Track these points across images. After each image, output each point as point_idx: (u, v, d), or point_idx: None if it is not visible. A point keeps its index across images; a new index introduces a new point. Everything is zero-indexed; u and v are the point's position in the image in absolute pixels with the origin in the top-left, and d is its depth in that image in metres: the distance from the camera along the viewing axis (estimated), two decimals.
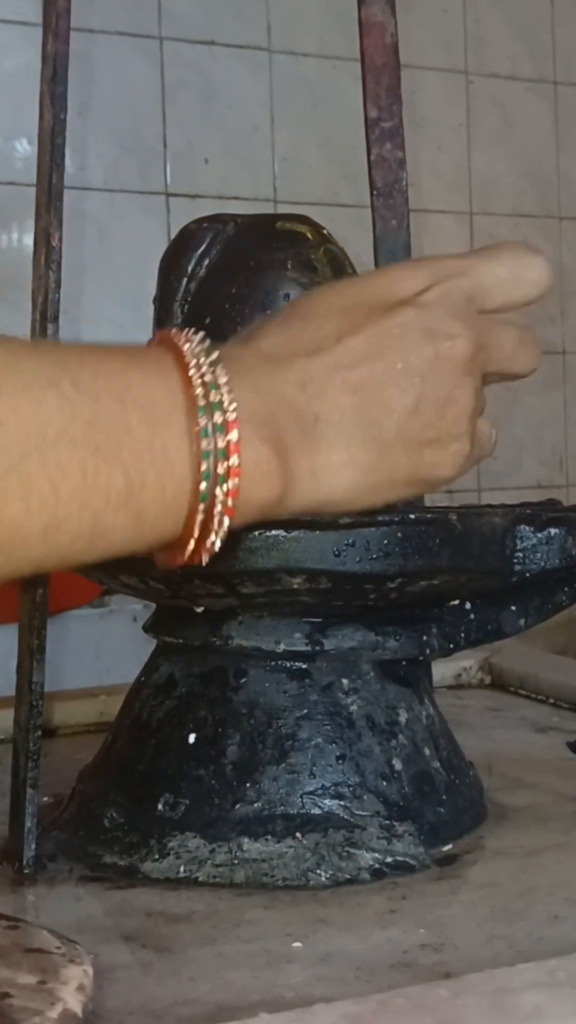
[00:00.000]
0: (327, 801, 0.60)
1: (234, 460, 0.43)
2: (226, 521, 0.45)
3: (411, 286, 0.49)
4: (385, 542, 0.57)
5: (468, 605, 0.67)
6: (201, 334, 0.45)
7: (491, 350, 0.51)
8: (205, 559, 0.46)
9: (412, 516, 0.60)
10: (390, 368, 0.47)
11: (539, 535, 0.64)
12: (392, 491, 0.50)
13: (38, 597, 0.61)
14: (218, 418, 0.43)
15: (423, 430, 0.48)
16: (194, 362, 0.44)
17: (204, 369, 0.43)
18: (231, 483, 0.43)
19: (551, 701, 0.95)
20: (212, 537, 0.45)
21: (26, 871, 0.60)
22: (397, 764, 0.62)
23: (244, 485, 0.44)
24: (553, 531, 0.65)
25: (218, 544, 0.46)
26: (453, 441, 0.49)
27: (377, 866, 0.58)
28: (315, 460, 0.46)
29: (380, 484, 0.49)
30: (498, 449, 1.75)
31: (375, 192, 0.76)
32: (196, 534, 0.44)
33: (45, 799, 0.67)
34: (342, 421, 0.47)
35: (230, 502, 0.44)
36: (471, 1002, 0.40)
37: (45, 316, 0.61)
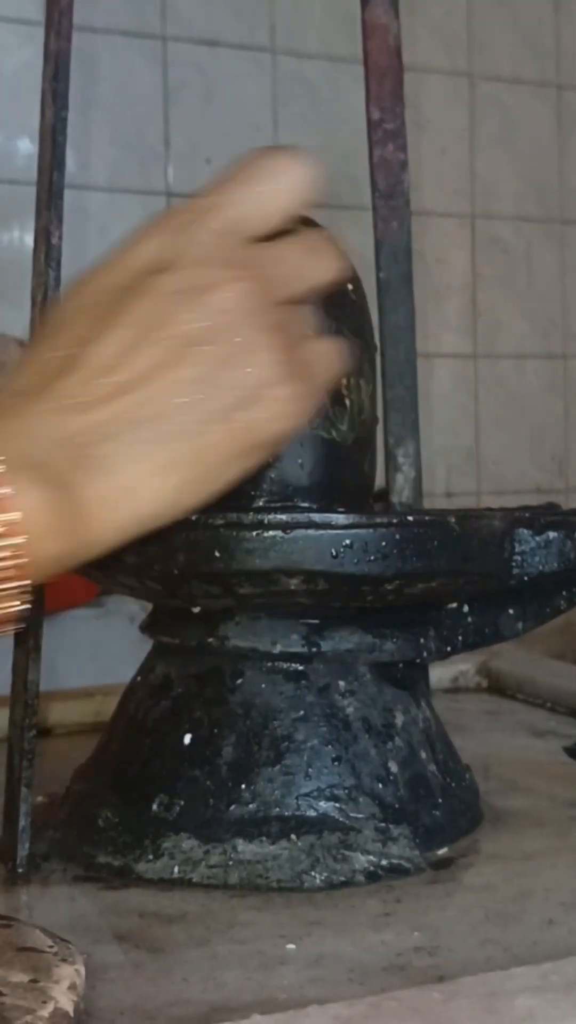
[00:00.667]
0: (322, 803, 0.60)
1: (13, 516, 0.38)
2: (14, 584, 0.39)
3: (153, 251, 0.43)
4: (383, 544, 0.57)
5: (466, 608, 0.67)
6: None
7: (275, 273, 0.44)
8: (8, 628, 0.41)
9: (410, 518, 0.60)
10: (154, 350, 0.41)
11: (538, 538, 0.64)
12: (221, 472, 0.43)
13: (35, 595, 0.60)
14: None
15: (222, 395, 0.42)
16: None
17: None
18: (17, 540, 0.39)
19: (548, 705, 0.95)
20: (6, 604, 0.40)
21: (20, 870, 0.60)
22: (393, 767, 0.62)
23: (32, 538, 0.39)
24: (552, 535, 0.64)
25: (19, 608, 0.40)
26: (271, 388, 0.43)
27: (372, 869, 0.58)
28: (107, 483, 0.41)
29: (200, 474, 0.42)
30: (498, 453, 1.75)
31: (377, 194, 0.76)
32: None
33: (39, 798, 0.67)
34: (120, 431, 0.41)
35: (18, 561, 0.39)
36: (464, 1005, 0.40)
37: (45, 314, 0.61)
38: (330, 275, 0.48)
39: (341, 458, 0.64)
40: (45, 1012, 0.40)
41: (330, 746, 0.61)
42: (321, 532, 0.57)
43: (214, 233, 0.43)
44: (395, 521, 0.59)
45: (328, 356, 0.48)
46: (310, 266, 0.47)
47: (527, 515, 0.65)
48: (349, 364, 0.52)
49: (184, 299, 0.42)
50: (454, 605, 0.66)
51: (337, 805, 0.60)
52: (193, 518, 0.58)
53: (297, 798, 0.60)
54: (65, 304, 0.45)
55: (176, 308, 0.41)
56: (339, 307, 0.65)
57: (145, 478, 0.41)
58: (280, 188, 0.45)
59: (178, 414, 0.41)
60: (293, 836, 0.58)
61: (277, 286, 0.45)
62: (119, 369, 0.41)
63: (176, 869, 0.58)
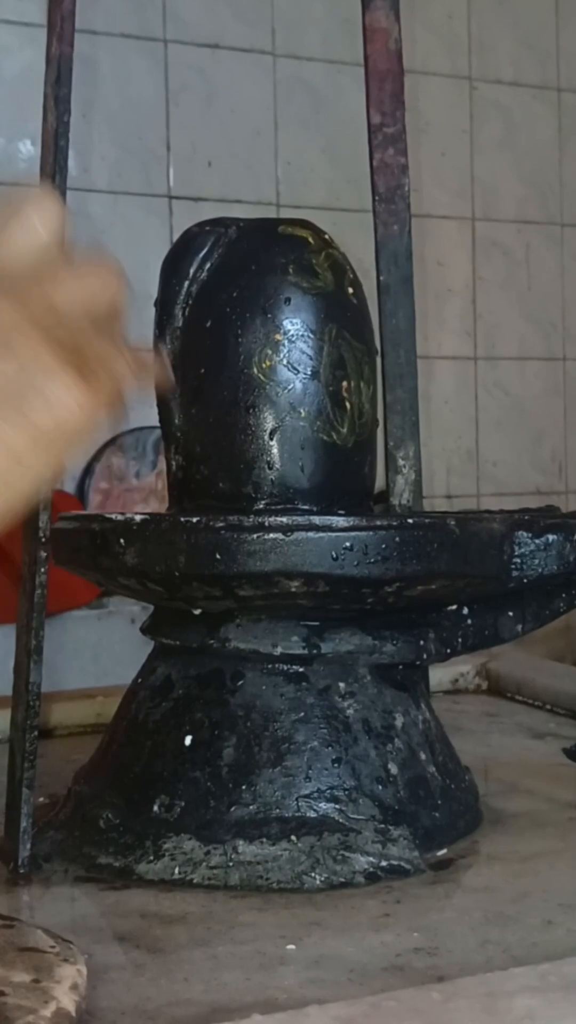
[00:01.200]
0: (322, 804, 0.60)
1: None
2: None
3: None
4: (383, 546, 0.58)
5: (465, 610, 0.67)
6: None
7: (41, 291, 0.48)
8: None
9: (411, 520, 0.60)
10: None
11: (537, 541, 0.64)
12: (25, 464, 0.46)
13: (36, 598, 0.61)
14: None
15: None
16: None
17: None
18: None
19: (548, 707, 0.95)
20: None
21: (21, 871, 0.60)
22: (393, 768, 0.62)
23: None
24: (551, 537, 0.65)
25: None
26: (45, 380, 0.46)
27: (371, 870, 0.58)
28: None
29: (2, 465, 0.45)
30: (498, 455, 1.74)
31: (377, 197, 0.76)
32: None
33: (41, 799, 0.67)
34: None
35: None
36: (463, 1005, 0.40)
37: None
38: (101, 293, 0.50)
39: (341, 461, 0.65)
40: (47, 1012, 0.40)
41: (330, 747, 0.61)
42: (321, 534, 0.57)
43: None
44: (395, 523, 0.59)
45: (113, 358, 0.49)
46: (79, 284, 0.50)
47: (527, 518, 0.65)
48: (152, 374, 0.54)
49: None
50: (454, 607, 0.67)
51: (337, 806, 0.60)
52: (194, 520, 0.58)
53: (297, 799, 0.60)
54: None
55: None
56: (339, 310, 0.65)
57: None
58: (30, 225, 0.49)
59: None
60: (293, 837, 0.59)
61: (44, 301, 0.48)
62: None
63: (177, 870, 0.58)
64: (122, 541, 0.59)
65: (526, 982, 0.41)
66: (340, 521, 0.58)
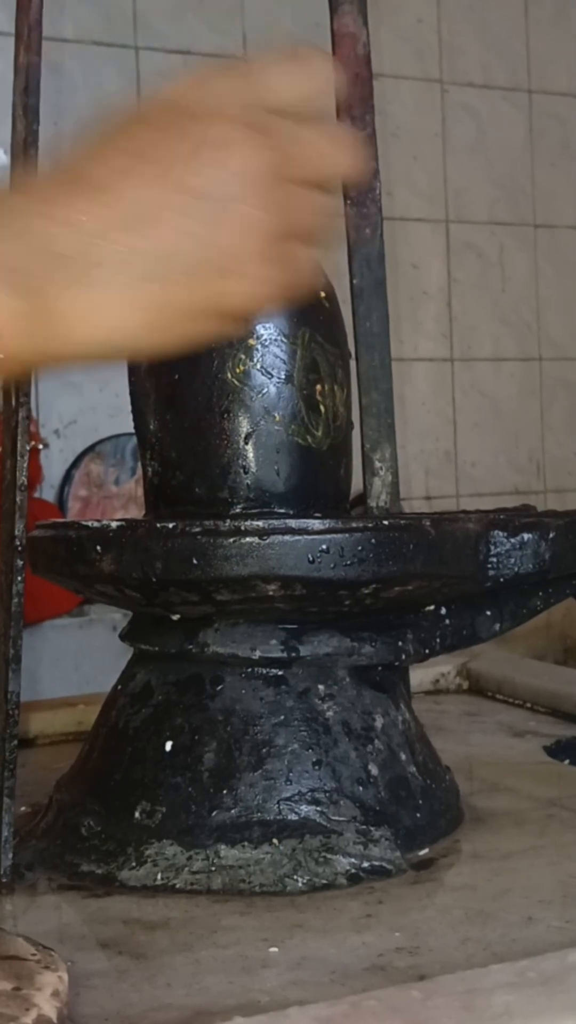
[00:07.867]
0: (304, 807, 0.60)
1: None
2: None
3: (196, 96, 0.45)
4: (359, 548, 0.58)
5: (443, 611, 0.67)
6: None
7: (295, 151, 0.45)
8: None
9: (386, 522, 0.60)
10: (162, 193, 0.42)
11: (513, 540, 0.65)
12: (181, 326, 0.45)
13: (14, 607, 0.61)
14: None
15: (204, 254, 0.43)
16: None
17: None
18: None
19: (528, 705, 0.95)
20: None
21: (4, 880, 0.60)
22: (373, 769, 0.62)
23: (3, 336, 0.41)
24: (527, 536, 0.65)
25: None
26: (249, 264, 0.44)
27: (353, 871, 0.58)
28: (80, 298, 0.42)
29: (162, 320, 0.44)
30: (476, 455, 1.75)
31: (348, 201, 0.76)
32: None
33: (22, 808, 0.67)
34: (105, 260, 0.42)
35: None
36: (442, 1003, 0.40)
37: None
38: (345, 169, 0.48)
39: (317, 464, 0.65)
40: (28, 1019, 0.40)
41: (310, 750, 0.61)
42: (298, 538, 0.57)
43: (243, 93, 0.44)
44: (370, 525, 0.59)
45: (305, 261, 0.47)
46: (329, 154, 0.47)
47: (502, 517, 0.65)
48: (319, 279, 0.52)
49: (205, 150, 0.42)
50: (431, 608, 0.67)
51: (318, 808, 0.60)
52: (171, 526, 0.58)
53: (279, 802, 0.60)
54: (108, 130, 0.46)
55: (195, 156, 0.42)
56: (312, 314, 0.65)
57: (114, 306, 0.43)
58: (308, 72, 0.46)
59: (162, 260, 0.43)
60: (275, 840, 0.59)
61: (293, 164, 0.45)
62: (125, 203, 0.42)
63: (159, 876, 0.59)
64: (98, 548, 0.59)
65: (505, 979, 0.41)
66: (316, 524, 0.58)
